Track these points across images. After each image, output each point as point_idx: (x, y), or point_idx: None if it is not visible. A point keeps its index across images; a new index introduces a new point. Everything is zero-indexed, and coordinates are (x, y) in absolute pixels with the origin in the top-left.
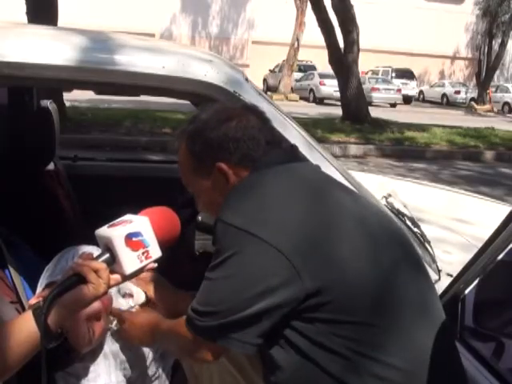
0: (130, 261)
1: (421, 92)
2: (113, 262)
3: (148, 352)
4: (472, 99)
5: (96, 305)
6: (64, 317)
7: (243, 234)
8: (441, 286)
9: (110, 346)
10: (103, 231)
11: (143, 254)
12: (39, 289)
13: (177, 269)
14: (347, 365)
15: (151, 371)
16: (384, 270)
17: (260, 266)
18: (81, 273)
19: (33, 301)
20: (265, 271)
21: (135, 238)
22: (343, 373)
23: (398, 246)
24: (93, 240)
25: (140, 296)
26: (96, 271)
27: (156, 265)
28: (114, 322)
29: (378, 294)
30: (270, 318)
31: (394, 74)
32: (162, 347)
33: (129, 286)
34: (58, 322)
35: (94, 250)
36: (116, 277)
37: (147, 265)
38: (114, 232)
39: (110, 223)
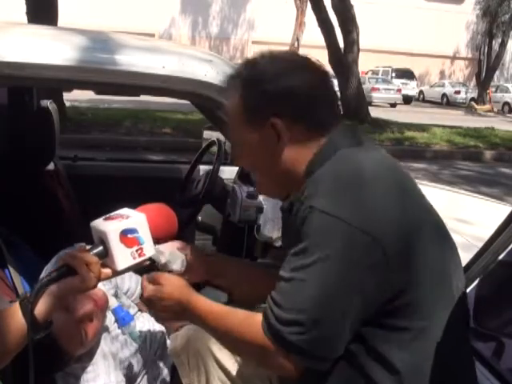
0: (123, 257)
1: (421, 92)
2: (105, 256)
3: (148, 352)
4: (472, 99)
5: (88, 306)
6: (51, 307)
7: (351, 231)
8: None
9: (110, 346)
10: (98, 224)
11: (137, 251)
12: None
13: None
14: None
15: (151, 371)
16: (450, 275)
17: (363, 268)
18: (71, 264)
19: None
20: (365, 274)
21: (130, 234)
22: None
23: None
24: (93, 240)
25: (176, 260)
26: (87, 264)
27: (149, 263)
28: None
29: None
30: (353, 329)
31: (394, 74)
32: (219, 340)
33: (162, 247)
34: (46, 313)
35: None
36: (107, 271)
37: (140, 262)
38: (110, 226)
39: (106, 216)
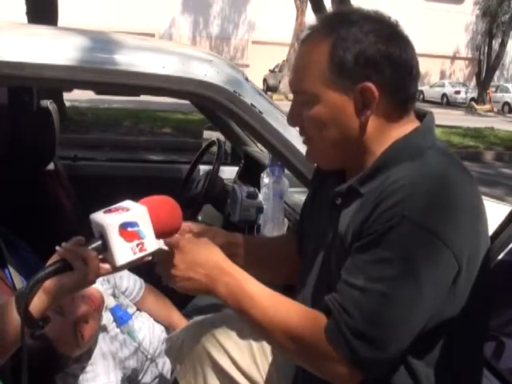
0: (122, 252)
1: (421, 92)
2: (104, 250)
3: (147, 351)
4: (472, 99)
5: (83, 308)
6: (47, 304)
7: (444, 251)
8: None
9: (109, 346)
10: (98, 216)
11: (137, 245)
12: None
13: None
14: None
15: (151, 370)
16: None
17: (444, 290)
18: (67, 259)
19: None
20: (443, 297)
21: (130, 228)
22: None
23: None
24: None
25: None
26: (84, 259)
27: (151, 258)
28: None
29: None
30: None
31: None
32: (252, 327)
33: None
34: (41, 309)
35: None
36: (106, 266)
37: (141, 258)
38: (108, 219)
39: (107, 208)
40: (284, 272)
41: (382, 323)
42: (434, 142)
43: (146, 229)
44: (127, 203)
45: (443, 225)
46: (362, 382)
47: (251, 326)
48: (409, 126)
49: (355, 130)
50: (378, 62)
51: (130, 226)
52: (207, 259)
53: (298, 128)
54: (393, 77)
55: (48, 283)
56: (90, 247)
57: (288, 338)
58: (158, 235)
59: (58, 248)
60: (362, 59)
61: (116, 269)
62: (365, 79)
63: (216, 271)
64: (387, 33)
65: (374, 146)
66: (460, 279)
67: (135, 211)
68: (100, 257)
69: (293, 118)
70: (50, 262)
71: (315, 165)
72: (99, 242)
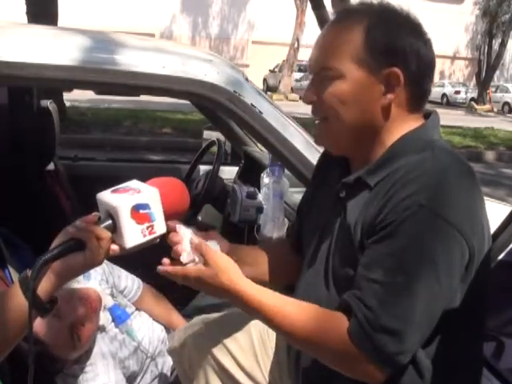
0: (133, 234)
1: None
2: (113, 232)
3: (147, 350)
4: (472, 99)
5: (80, 310)
6: (55, 285)
7: (460, 240)
8: None
9: (108, 346)
10: (107, 196)
11: (148, 228)
12: None
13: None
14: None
15: (151, 370)
16: None
17: (459, 280)
18: (82, 239)
19: None
20: (457, 286)
21: (142, 210)
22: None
23: None
24: None
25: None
26: (99, 239)
27: (158, 241)
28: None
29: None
30: None
31: None
32: (280, 330)
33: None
34: (49, 291)
35: None
36: (115, 248)
37: (150, 240)
38: (121, 200)
39: (115, 188)
40: (283, 279)
41: (404, 315)
42: (439, 138)
43: (157, 211)
44: (136, 183)
45: (459, 215)
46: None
47: (275, 331)
48: (416, 122)
49: (374, 114)
50: (406, 54)
51: (141, 208)
52: (222, 283)
53: (297, 129)
54: (416, 71)
55: (56, 264)
56: (102, 226)
57: (313, 344)
58: (168, 217)
59: (69, 227)
60: (394, 47)
61: (125, 251)
62: (392, 66)
63: (233, 293)
64: (418, 29)
65: (385, 137)
66: (470, 270)
67: (148, 193)
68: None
69: (310, 93)
70: (57, 241)
71: (315, 164)
72: (110, 222)
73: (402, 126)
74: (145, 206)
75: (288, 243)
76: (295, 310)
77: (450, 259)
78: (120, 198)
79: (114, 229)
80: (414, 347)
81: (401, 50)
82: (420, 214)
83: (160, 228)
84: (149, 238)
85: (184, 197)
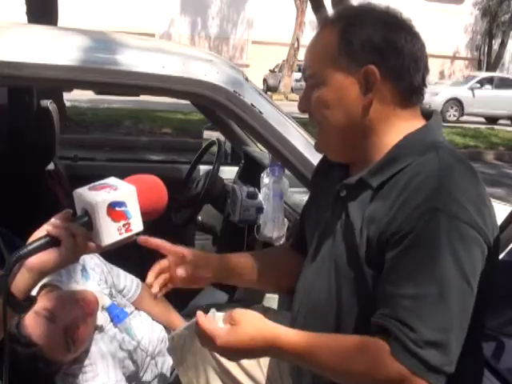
0: (109, 232)
1: None
2: (90, 229)
3: (147, 350)
4: None
5: (74, 313)
6: (30, 282)
7: (479, 240)
8: None
9: (108, 346)
10: (84, 193)
11: (124, 226)
12: (33, 291)
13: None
14: None
15: (150, 369)
16: None
17: (479, 271)
18: (57, 236)
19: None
20: (479, 276)
21: (118, 207)
22: None
23: None
24: None
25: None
26: (74, 236)
27: (135, 238)
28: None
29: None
30: None
31: None
32: (324, 372)
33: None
34: (26, 288)
35: (94, 258)
36: (92, 245)
37: (126, 238)
38: (97, 197)
39: (92, 185)
40: (284, 284)
41: (444, 325)
42: (443, 139)
43: (134, 209)
44: (113, 180)
45: (474, 214)
46: None
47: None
48: (418, 121)
49: (358, 114)
50: (382, 49)
51: (118, 205)
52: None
53: (297, 129)
54: (396, 64)
55: (31, 260)
56: (78, 223)
57: (360, 376)
58: (145, 215)
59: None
60: (369, 44)
61: (101, 248)
62: (369, 63)
63: (267, 346)
64: (394, 23)
65: (383, 137)
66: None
67: (124, 191)
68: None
69: (302, 102)
70: (32, 238)
71: (315, 167)
72: (86, 219)
73: (399, 124)
74: (121, 204)
75: (287, 245)
76: (334, 344)
77: (473, 259)
78: (96, 195)
79: (90, 226)
80: (458, 353)
81: (376, 47)
82: (438, 219)
83: (137, 226)
84: (125, 235)
85: (162, 195)
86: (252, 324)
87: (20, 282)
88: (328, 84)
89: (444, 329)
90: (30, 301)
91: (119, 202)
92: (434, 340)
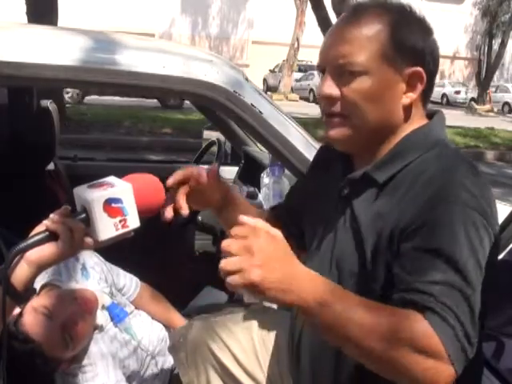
0: (106, 227)
1: None
2: (87, 225)
3: (147, 350)
4: (472, 99)
5: (72, 310)
6: (29, 274)
7: (488, 229)
8: None
9: (108, 346)
10: (82, 190)
11: (120, 222)
12: None
13: (177, 269)
14: None
15: (151, 369)
16: None
17: (486, 255)
18: (55, 231)
19: (30, 303)
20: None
21: (115, 204)
22: None
23: None
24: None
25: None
26: (72, 231)
27: (132, 234)
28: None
29: None
30: None
31: None
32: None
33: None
34: (25, 281)
35: (93, 257)
36: (89, 240)
37: (123, 234)
38: (93, 194)
39: (91, 183)
40: None
41: (472, 312)
42: (445, 138)
43: (130, 206)
44: (111, 179)
45: (484, 205)
46: None
47: (341, 341)
48: (422, 120)
49: (393, 112)
50: (425, 54)
51: (114, 202)
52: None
53: (297, 129)
54: (433, 69)
55: (30, 253)
56: (76, 218)
57: (392, 342)
58: (141, 212)
59: (44, 221)
60: (417, 46)
61: (98, 243)
62: (416, 65)
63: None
64: (430, 28)
65: (401, 134)
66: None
67: (120, 188)
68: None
69: (331, 87)
70: (33, 233)
71: (312, 160)
72: (84, 215)
73: (412, 123)
74: (117, 200)
75: (271, 214)
76: (368, 307)
77: (484, 248)
78: (93, 192)
79: (88, 222)
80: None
81: (421, 50)
82: (451, 209)
83: (133, 222)
84: (122, 231)
85: (158, 193)
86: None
87: (19, 274)
88: (373, 76)
89: (473, 314)
90: (30, 292)
91: (115, 198)
92: (467, 325)
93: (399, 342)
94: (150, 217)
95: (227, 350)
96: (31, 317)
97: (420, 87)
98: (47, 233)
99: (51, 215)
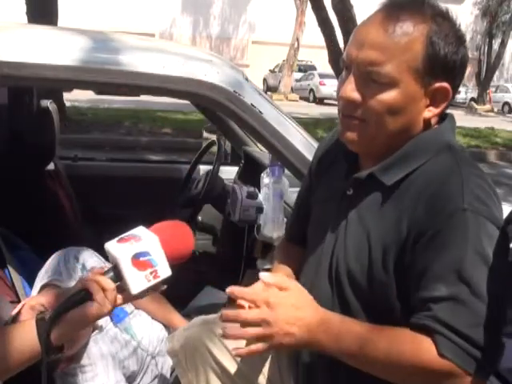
0: (137, 281)
1: None
2: (120, 280)
3: (147, 350)
4: (472, 99)
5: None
6: (66, 333)
7: (496, 231)
8: None
9: (108, 346)
10: (112, 246)
11: (151, 273)
12: (34, 291)
13: (176, 269)
14: None
15: (151, 370)
16: None
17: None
18: (89, 289)
19: (28, 302)
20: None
21: (143, 257)
22: None
23: None
24: (92, 241)
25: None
26: (104, 290)
27: (165, 286)
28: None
29: None
30: None
31: None
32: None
33: None
34: (60, 338)
35: (94, 257)
36: (124, 295)
37: (156, 284)
38: (120, 252)
39: (120, 237)
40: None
41: (480, 321)
42: (455, 142)
43: (158, 257)
44: (139, 230)
45: (495, 212)
46: None
47: (363, 366)
48: (434, 124)
49: (414, 125)
50: (456, 68)
51: (142, 255)
52: (304, 309)
53: (297, 129)
54: (459, 83)
55: (69, 315)
56: (107, 276)
57: (409, 369)
58: (172, 260)
59: (59, 254)
60: (449, 61)
61: (132, 297)
62: (443, 80)
63: (315, 321)
64: (464, 38)
65: (410, 138)
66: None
67: (146, 241)
68: (117, 285)
69: (355, 92)
70: (72, 290)
71: (311, 159)
72: (112, 274)
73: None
74: (145, 254)
75: (287, 239)
76: (384, 336)
77: (495, 254)
78: (121, 249)
79: (120, 277)
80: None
81: (453, 64)
82: (466, 218)
83: (164, 272)
84: (154, 282)
85: (187, 239)
86: (303, 292)
87: (57, 332)
88: (401, 89)
89: (480, 323)
90: (60, 348)
91: (142, 252)
92: (475, 336)
93: (415, 371)
94: (150, 217)
95: (227, 351)
96: (29, 315)
97: (443, 104)
98: (82, 293)
99: (86, 274)
